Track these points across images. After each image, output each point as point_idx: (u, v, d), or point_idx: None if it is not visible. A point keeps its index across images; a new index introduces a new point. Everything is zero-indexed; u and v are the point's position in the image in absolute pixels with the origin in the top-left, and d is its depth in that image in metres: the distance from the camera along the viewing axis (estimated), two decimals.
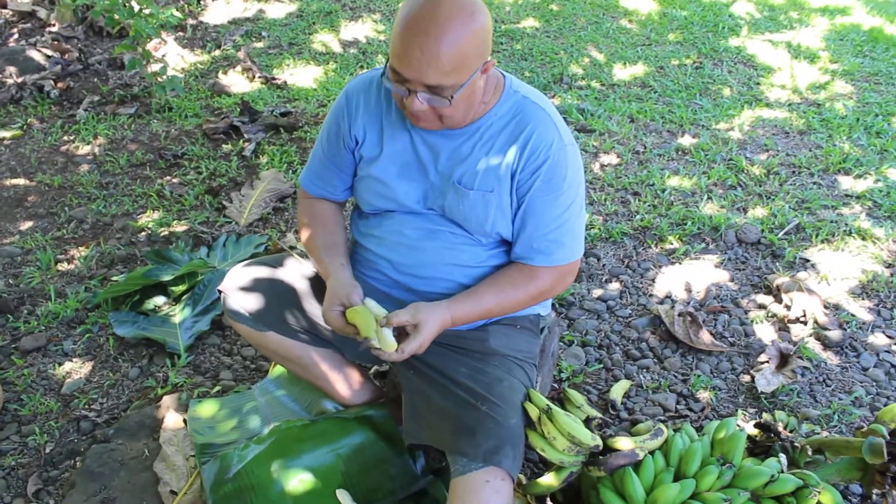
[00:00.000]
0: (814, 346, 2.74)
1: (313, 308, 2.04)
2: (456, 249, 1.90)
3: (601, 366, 2.64)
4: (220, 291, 2.07)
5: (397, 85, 1.68)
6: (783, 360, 2.61)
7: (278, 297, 2.03)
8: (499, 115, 1.82)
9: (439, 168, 1.85)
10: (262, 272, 2.05)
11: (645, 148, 4.19)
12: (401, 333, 1.80)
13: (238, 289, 2.02)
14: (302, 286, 2.06)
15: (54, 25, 5.58)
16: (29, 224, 3.49)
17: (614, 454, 1.82)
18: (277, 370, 2.47)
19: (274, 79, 5.01)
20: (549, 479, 1.86)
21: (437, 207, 1.89)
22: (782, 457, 1.89)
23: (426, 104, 1.68)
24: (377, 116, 1.89)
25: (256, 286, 2.03)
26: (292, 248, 3.10)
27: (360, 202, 2.03)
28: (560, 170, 1.81)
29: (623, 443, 1.85)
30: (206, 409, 2.33)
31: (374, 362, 2.32)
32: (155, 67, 4.61)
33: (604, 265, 3.21)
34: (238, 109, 4.51)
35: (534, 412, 1.84)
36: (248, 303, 2.01)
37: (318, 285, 2.06)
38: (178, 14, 5.67)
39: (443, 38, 1.57)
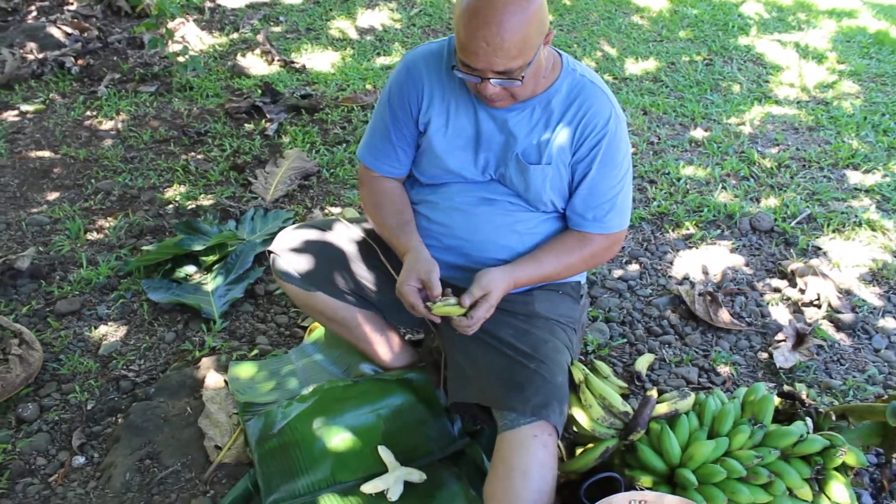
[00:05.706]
0: (827, 327, 2.84)
1: (360, 270, 2.10)
2: (510, 215, 1.97)
3: (625, 340, 2.72)
4: (269, 252, 2.13)
5: (468, 74, 1.74)
6: (799, 338, 2.70)
7: (327, 258, 2.09)
8: (559, 91, 1.89)
9: (501, 140, 1.91)
10: (312, 234, 2.12)
11: (659, 139, 4.28)
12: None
13: (288, 250, 2.09)
14: (350, 249, 2.12)
15: (72, 4, 5.61)
16: (56, 195, 3.54)
17: (646, 407, 1.90)
18: (314, 335, 2.54)
19: (292, 62, 5.06)
20: (585, 455, 1.93)
21: (497, 176, 1.95)
22: (808, 421, 1.98)
23: (498, 87, 1.75)
24: (441, 89, 1.93)
25: (306, 248, 2.10)
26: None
27: (419, 173, 2.06)
28: (617, 143, 1.92)
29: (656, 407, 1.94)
30: (245, 370, 2.40)
31: (414, 327, 2.40)
32: (176, 47, 4.66)
33: (624, 247, 3.29)
34: (259, 90, 4.57)
35: (578, 375, 1.92)
36: (298, 264, 2.07)
37: (365, 249, 2.12)
38: None
39: (505, 27, 1.63)
